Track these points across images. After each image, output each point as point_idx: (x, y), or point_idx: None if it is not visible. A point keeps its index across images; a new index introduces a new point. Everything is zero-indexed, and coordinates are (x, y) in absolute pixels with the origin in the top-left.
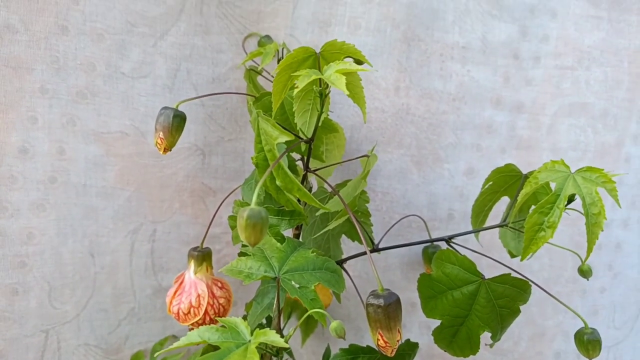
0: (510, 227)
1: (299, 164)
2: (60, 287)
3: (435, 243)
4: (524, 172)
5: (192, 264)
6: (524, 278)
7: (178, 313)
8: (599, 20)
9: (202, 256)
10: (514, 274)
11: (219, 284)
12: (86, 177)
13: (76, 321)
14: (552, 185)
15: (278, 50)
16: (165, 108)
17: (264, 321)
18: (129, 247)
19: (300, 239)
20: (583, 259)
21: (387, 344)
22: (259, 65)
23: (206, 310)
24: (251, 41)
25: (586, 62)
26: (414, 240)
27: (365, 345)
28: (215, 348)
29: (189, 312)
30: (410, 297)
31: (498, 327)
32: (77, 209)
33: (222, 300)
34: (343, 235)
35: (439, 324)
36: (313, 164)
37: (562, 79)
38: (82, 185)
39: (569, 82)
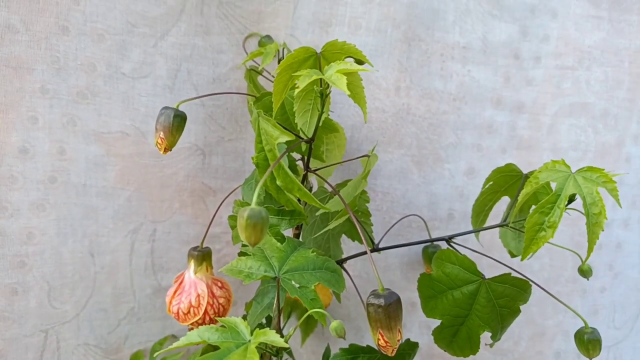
0: (510, 227)
1: (300, 163)
2: (59, 287)
3: (435, 243)
4: (525, 172)
5: (192, 264)
6: (524, 278)
7: (178, 313)
8: (600, 20)
9: (202, 256)
10: (514, 274)
11: (219, 284)
12: (86, 177)
13: (76, 321)
14: (553, 185)
15: (278, 51)
16: (165, 108)
17: (264, 321)
18: (129, 247)
19: (301, 239)
20: (583, 259)
21: (388, 344)
22: (259, 65)
23: (206, 310)
24: (252, 41)
25: (587, 62)
26: (414, 240)
27: (365, 345)
28: (215, 348)
29: (189, 311)
30: (410, 296)
31: (498, 326)
32: (77, 209)
33: (222, 300)
34: (343, 235)
35: (439, 323)
36: (313, 163)
37: (563, 79)
38: (82, 185)
39: (570, 82)
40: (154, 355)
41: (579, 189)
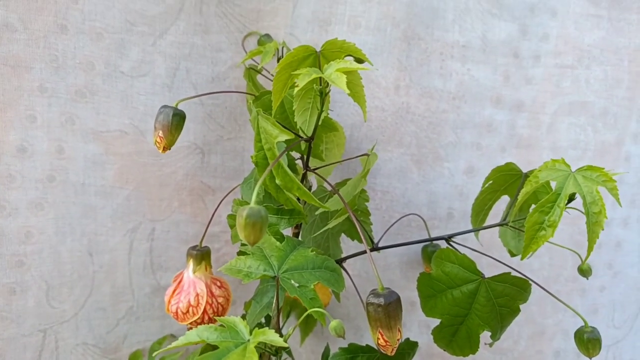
0: (510, 226)
1: (299, 162)
2: (58, 286)
3: (434, 242)
4: (524, 170)
5: (191, 263)
6: (524, 277)
7: (177, 312)
8: (599, 18)
9: (201, 255)
10: (513, 273)
11: (218, 283)
12: (85, 176)
13: (74, 320)
14: (553, 184)
15: (278, 49)
16: (164, 107)
17: (263, 320)
18: (127, 246)
19: (300, 238)
20: (583, 258)
21: (388, 343)
22: (258, 64)
23: (205, 309)
24: (251, 40)
25: (586, 60)
26: (413, 239)
27: (364, 344)
28: (214, 347)
29: (188, 311)
30: (409, 296)
31: (498, 326)
32: (75, 208)
33: (220, 300)
34: (342, 234)
35: (438, 323)
36: (313, 162)
37: (562, 77)
38: (81, 184)
39: (569, 80)
40: (153, 355)
41: (579, 188)
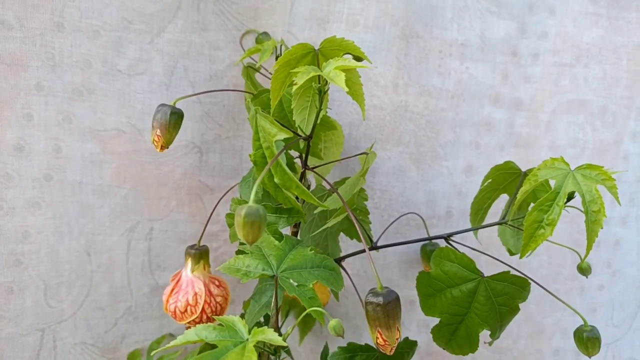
0: (509, 225)
1: (297, 161)
2: (56, 286)
3: (433, 241)
4: (523, 169)
5: (189, 262)
6: (523, 276)
7: (175, 311)
8: (598, 17)
9: (200, 254)
10: (513, 272)
11: (217, 282)
12: (82, 175)
13: (72, 320)
14: (552, 183)
15: (276, 47)
16: (162, 105)
17: (262, 319)
18: (125, 245)
19: (298, 237)
20: (582, 257)
21: (387, 342)
22: (256, 62)
23: (203, 308)
24: (249, 38)
25: (585, 59)
26: (412, 238)
27: (363, 344)
28: (213, 347)
29: (186, 310)
30: (408, 295)
31: (497, 324)
32: (73, 207)
33: (219, 299)
34: (341, 233)
35: (437, 322)
36: (311, 161)
37: (561, 76)
38: (78, 183)
39: (568, 79)
40: (151, 354)
41: (578, 187)
